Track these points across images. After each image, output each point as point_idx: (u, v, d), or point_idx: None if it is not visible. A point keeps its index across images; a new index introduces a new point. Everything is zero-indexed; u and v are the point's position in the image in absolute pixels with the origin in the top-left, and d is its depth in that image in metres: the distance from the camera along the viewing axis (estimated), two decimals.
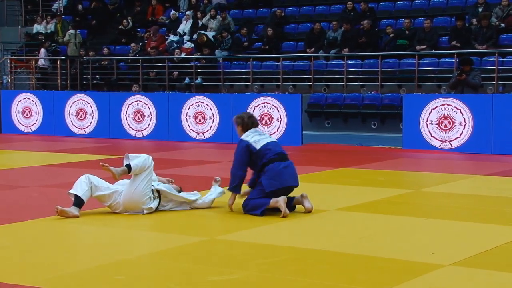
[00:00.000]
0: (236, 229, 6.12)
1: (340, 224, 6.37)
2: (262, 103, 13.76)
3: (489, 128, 11.71)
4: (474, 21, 15.51)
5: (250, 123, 7.03)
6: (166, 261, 5.12)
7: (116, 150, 12.09)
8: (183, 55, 18.02)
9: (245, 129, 7.01)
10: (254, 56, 17.12)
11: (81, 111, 15.62)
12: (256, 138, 6.87)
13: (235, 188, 6.82)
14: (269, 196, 6.70)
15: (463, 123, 11.96)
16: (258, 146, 6.80)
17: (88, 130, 15.55)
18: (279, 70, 16.58)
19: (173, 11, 20.10)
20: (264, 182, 6.69)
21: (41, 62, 19.39)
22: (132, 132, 15.07)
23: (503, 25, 15.54)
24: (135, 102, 15.07)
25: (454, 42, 15.32)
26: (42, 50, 19.49)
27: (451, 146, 12.07)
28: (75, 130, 15.70)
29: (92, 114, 15.50)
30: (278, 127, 13.55)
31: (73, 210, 6.52)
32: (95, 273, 4.80)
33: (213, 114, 14.14)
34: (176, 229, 6.15)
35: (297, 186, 6.91)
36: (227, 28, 18.40)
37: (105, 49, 19.07)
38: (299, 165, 10.67)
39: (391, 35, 16.12)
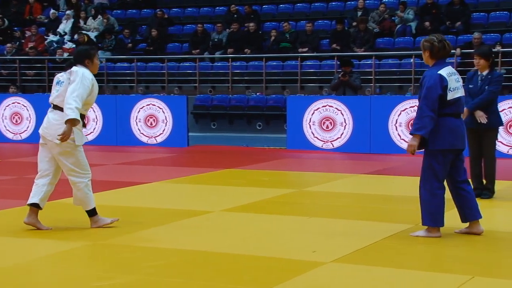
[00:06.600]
0: (121, 233, 6.02)
1: (225, 225, 6.41)
2: (147, 105, 13.61)
3: (367, 128, 12.16)
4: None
5: (441, 47, 5.59)
6: (47, 268, 4.96)
7: None
8: (65, 55, 17.52)
9: (434, 56, 5.61)
10: (138, 57, 16.92)
11: None
12: (454, 84, 5.56)
13: (417, 130, 5.49)
14: (435, 154, 5.52)
15: (344, 124, 12.35)
16: (450, 95, 5.54)
17: None
18: (164, 71, 16.47)
19: (52, 10, 19.51)
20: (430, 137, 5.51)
21: None
22: (10, 135, 14.52)
23: (377, 29, 16.21)
24: (12, 104, 14.49)
25: (334, 45, 15.82)
26: None
27: (333, 146, 12.44)
28: None
29: None
30: (164, 129, 13.46)
31: None
32: None
33: (96, 116, 13.83)
34: (56, 235, 5.96)
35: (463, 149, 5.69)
36: (111, 29, 18.08)
37: None
38: (185, 167, 10.67)
39: (273, 38, 16.43)
